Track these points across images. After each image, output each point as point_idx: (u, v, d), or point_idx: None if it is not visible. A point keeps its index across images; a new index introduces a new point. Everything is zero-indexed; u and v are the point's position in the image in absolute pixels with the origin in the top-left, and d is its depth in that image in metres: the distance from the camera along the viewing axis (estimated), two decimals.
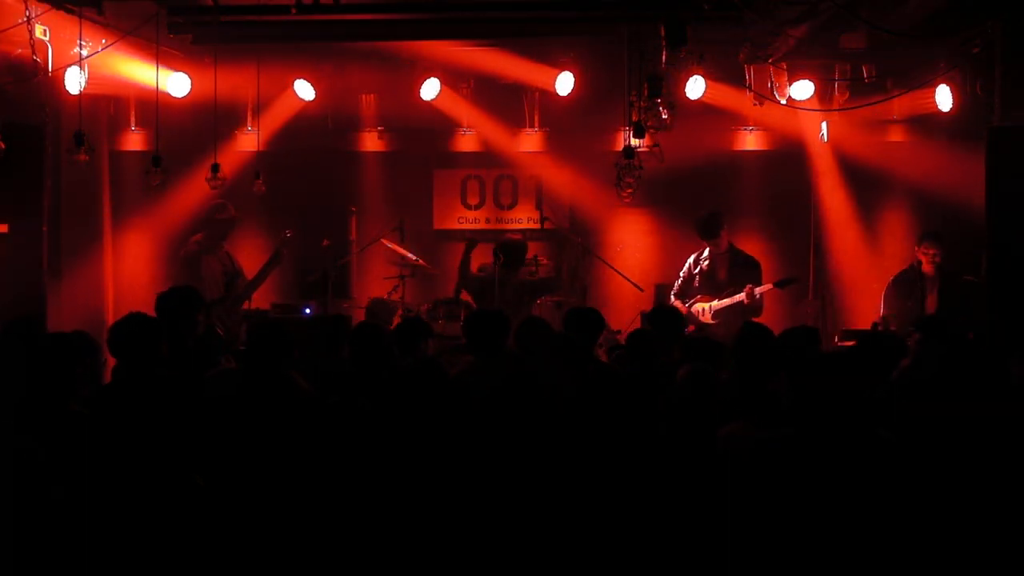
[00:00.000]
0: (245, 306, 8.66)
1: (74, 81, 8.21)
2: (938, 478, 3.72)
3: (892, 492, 3.58)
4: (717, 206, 9.18)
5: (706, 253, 8.78)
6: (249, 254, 9.47)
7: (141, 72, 8.81)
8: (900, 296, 8.48)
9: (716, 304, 8.49)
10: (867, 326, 8.60)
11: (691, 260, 8.90)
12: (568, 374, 4.94)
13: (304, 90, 9.78)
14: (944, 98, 8.93)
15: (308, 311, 8.78)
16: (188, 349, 5.62)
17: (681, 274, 8.95)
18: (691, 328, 8.29)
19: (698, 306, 8.61)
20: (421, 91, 9.71)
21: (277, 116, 10.21)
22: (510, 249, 8.68)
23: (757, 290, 8.46)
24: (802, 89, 9.05)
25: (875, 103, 8.98)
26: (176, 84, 9.29)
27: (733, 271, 8.63)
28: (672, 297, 8.89)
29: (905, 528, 3.57)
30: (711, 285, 8.66)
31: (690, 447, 4.19)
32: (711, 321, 8.52)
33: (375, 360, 5.24)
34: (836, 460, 3.63)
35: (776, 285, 8.69)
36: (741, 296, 8.44)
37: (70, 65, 8.22)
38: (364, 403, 3.98)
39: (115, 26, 8.18)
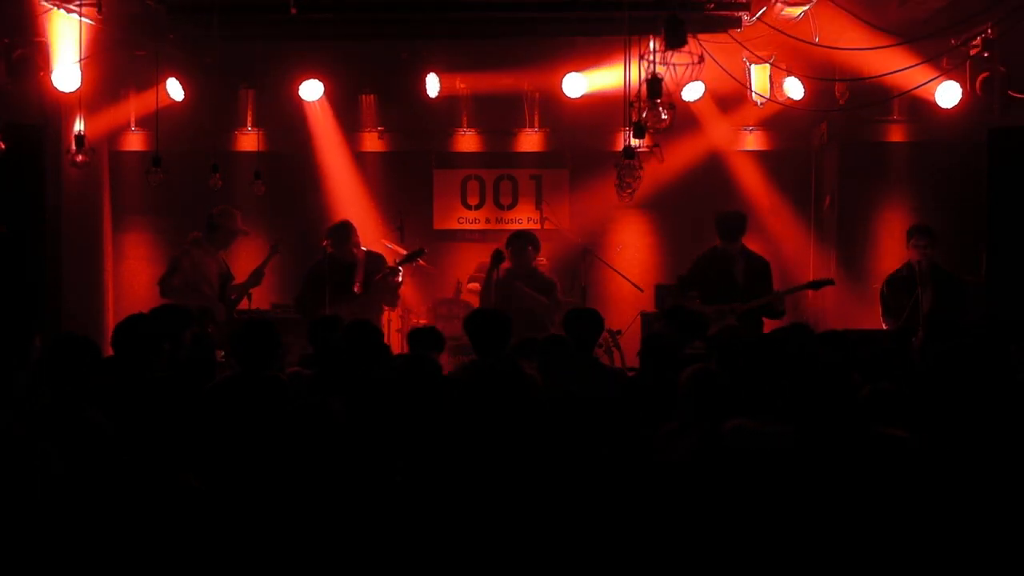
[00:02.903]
0: (245, 306, 8.68)
1: (68, 80, 8.20)
2: (949, 477, 3.70)
3: (899, 491, 3.58)
4: (736, 207, 8.97)
5: (719, 252, 8.44)
6: (247, 254, 9.47)
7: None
8: (897, 294, 8.47)
9: (741, 307, 8.28)
10: (867, 326, 8.58)
11: (702, 258, 8.51)
12: (567, 375, 4.95)
13: (309, 90, 9.76)
14: (946, 96, 8.89)
15: None
16: (181, 361, 5.66)
17: (688, 272, 8.52)
18: (714, 330, 8.13)
19: (721, 308, 8.35)
20: (424, 87, 9.67)
21: (277, 116, 10.22)
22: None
23: (788, 293, 8.35)
24: (794, 86, 9.02)
25: (875, 103, 8.99)
26: (173, 88, 9.30)
27: (749, 273, 8.44)
28: (676, 292, 8.57)
29: (908, 528, 3.58)
30: (728, 286, 8.31)
31: (693, 445, 4.18)
32: (734, 323, 8.26)
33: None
34: (836, 459, 3.64)
35: (810, 286, 8.60)
36: (771, 300, 8.25)
37: (68, 64, 8.24)
38: (337, 404, 3.98)
39: (115, 25, 8.20)
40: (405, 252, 9.18)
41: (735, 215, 8.55)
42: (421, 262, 9.04)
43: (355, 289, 8.21)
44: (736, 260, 8.38)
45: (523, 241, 8.56)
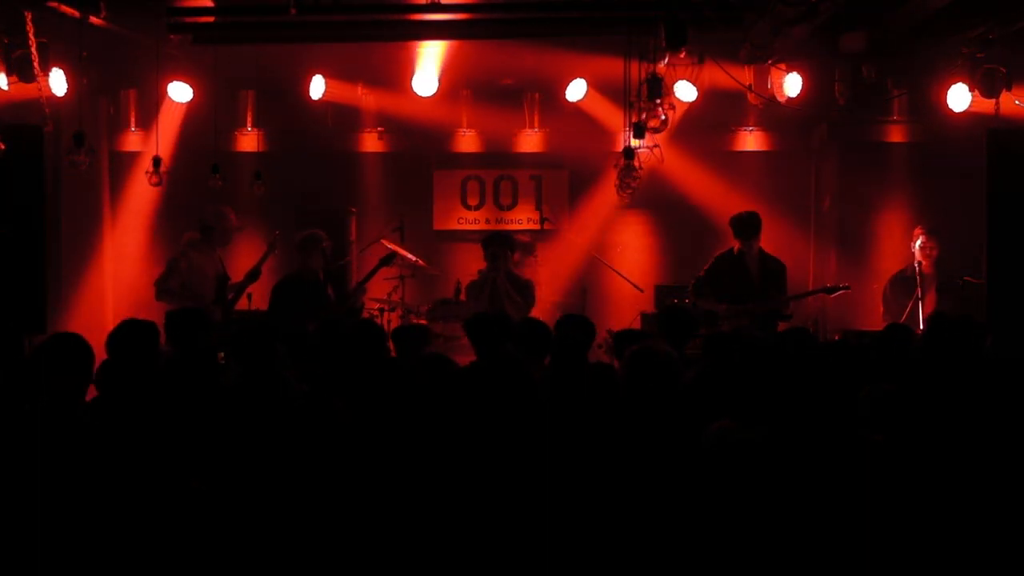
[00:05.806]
0: (244, 306, 8.68)
1: (59, 83, 8.18)
2: (927, 480, 3.71)
3: (876, 493, 3.59)
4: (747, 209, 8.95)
5: (736, 253, 8.47)
6: (246, 253, 9.46)
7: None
8: (898, 295, 8.47)
9: (755, 307, 8.26)
10: (867, 327, 8.58)
11: (718, 259, 8.53)
12: (565, 374, 4.95)
13: (314, 89, 9.73)
14: (956, 99, 8.81)
15: None
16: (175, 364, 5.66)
17: (704, 272, 8.53)
18: (725, 328, 8.15)
19: (736, 308, 8.32)
20: (413, 84, 9.63)
21: (277, 116, 10.21)
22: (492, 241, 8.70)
23: (800, 297, 8.37)
24: (792, 84, 9.00)
25: (875, 103, 8.97)
26: (176, 90, 9.30)
27: (765, 274, 8.43)
28: (691, 292, 8.60)
29: (885, 529, 3.58)
30: (744, 287, 8.34)
31: (681, 446, 4.18)
32: (746, 323, 8.25)
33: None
34: (812, 460, 3.66)
35: (824, 291, 8.58)
36: (782, 303, 8.25)
37: (68, 65, 8.23)
38: (340, 403, 3.99)
39: (116, 25, 8.19)
40: (404, 252, 9.19)
41: (751, 216, 8.51)
42: (410, 264, 9.06)
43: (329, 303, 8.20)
44: (753, 261, 8.39)
45: (502, 245, 8.61)
